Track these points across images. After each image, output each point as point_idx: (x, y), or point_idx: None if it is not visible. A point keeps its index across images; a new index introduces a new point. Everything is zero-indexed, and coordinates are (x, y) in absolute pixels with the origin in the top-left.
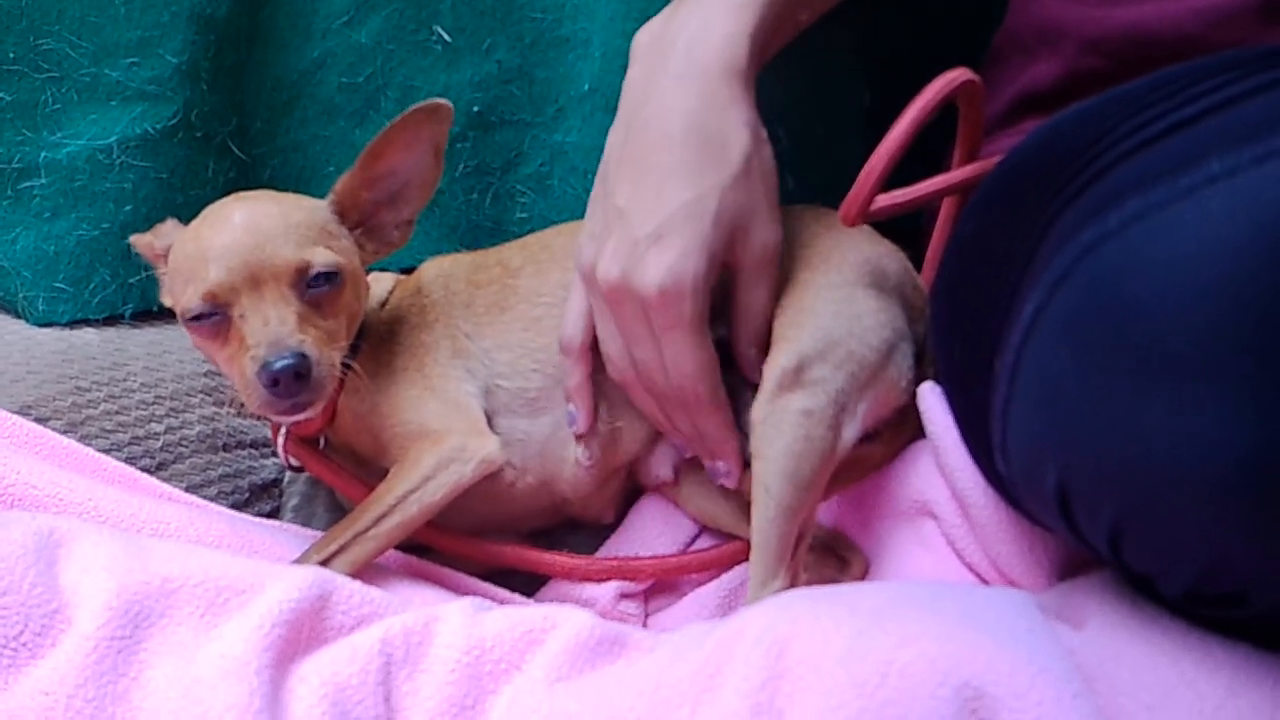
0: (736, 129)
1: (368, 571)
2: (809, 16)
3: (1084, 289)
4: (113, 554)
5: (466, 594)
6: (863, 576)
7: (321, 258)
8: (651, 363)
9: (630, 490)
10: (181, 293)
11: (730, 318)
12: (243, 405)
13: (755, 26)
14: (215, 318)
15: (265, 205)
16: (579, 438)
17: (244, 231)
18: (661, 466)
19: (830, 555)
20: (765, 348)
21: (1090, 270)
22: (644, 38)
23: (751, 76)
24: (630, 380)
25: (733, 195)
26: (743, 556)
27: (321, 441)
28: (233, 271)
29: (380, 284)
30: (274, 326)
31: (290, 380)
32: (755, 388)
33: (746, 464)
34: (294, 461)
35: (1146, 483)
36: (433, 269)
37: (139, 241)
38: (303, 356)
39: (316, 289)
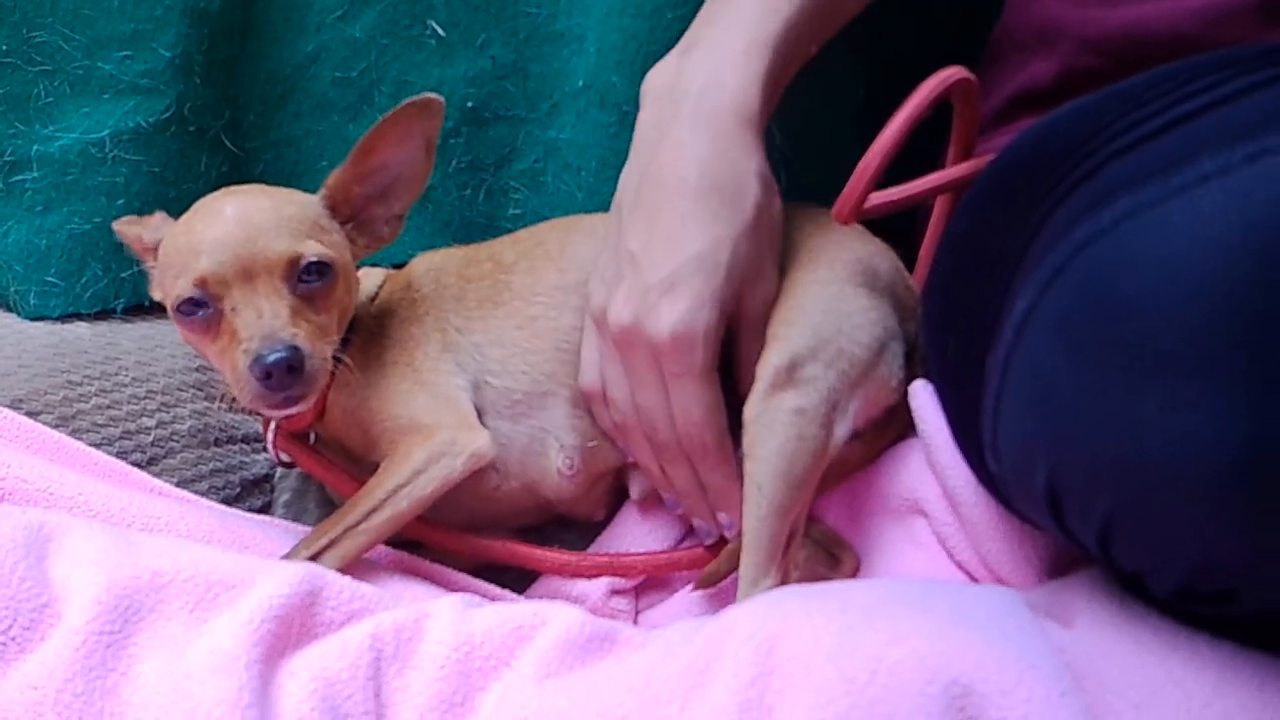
0: (749, 179)
1: (357, 566)
2: (817, 46)
3: (1076, 286)
4: (102, 548)
5: (456, 590)
6: (854, 574)
7: (313, 250)
8: (656, 410)
9: (619, 488)
10: (172, 286)
11: (735, 369)
12: (234, 400)
13: (766, 71)
14: (206, 311)
15: (257, 199)
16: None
17: (236, 224)
18: (637, 485)
19: (822, 552)
20: None
21: (1082, 268)
22: (656, 81)
23: (763, 123)
24: (631, 427)
25: (744, 247)
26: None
27: (311, 437)
28: (224, 264)
29: (370, 279)
30: (267, 320)
31: (283, 373)
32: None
33: None
34: (284, 457)
35: (1138, 480)
36: (423, 263)
37: (127, 232)
38: (295, 349)
39: (308, 283)
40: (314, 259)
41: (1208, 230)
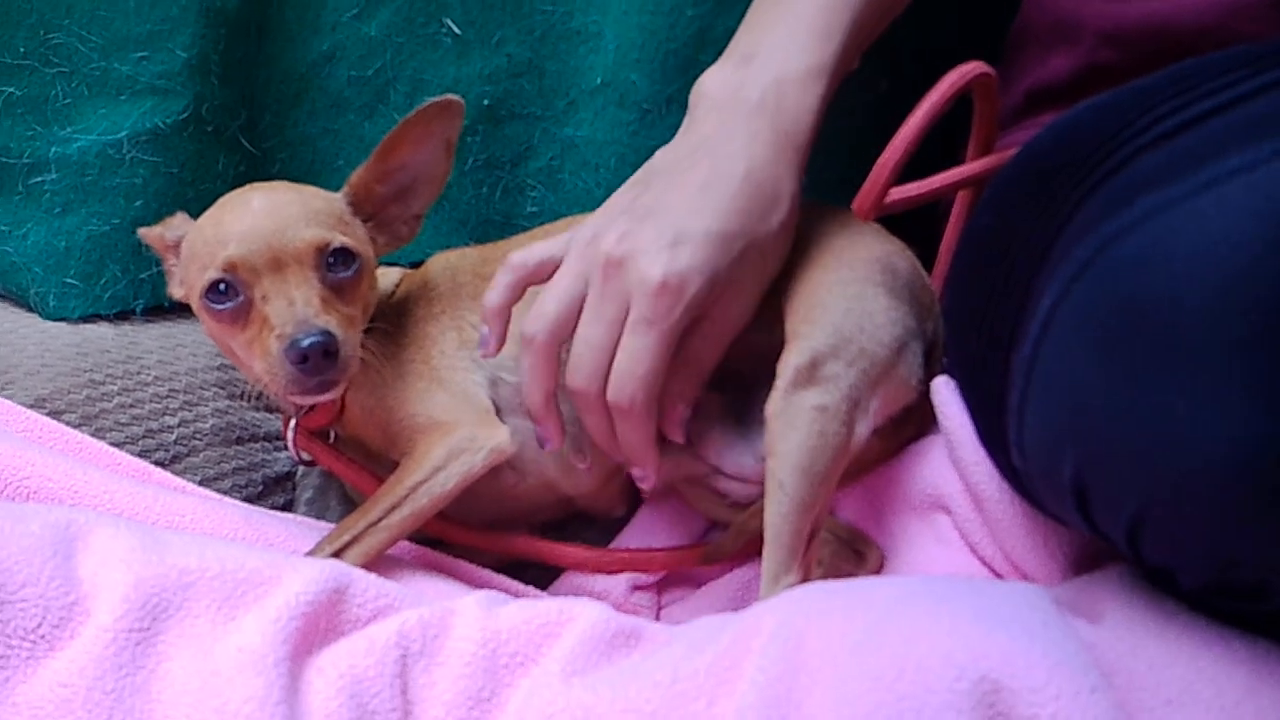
0: (784, 198)
1: (381, 563)
2: (859, 62)
3: (1103, 281)
4: (130, 546)
5: (480, 586)
6: (879, 569)
7: (339, 239)
8: (595, 350)
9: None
10: (198, 277)
11: (671, 371)
12: (258, 396)
13: (822, 98)
14: (237, 300)
15: (284, 193)
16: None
17: (265, 215)
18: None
19: (846, 549)
20: (694, 407)
21: (1109, 263)
22: (711, 88)
23: (809, 150)
24: (546, 350)
25: (754, 253)
26: (755, 550)
27: (331, 436)
28: (254, 252)
29: (387, 278)
30: (299, 306)
31: (319, 357)
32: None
33: None
34: (304, 455)
35: (1166, 475)
36: (440, 262)
37: (149, 234)
38: (330, 334)
39: (336, 274)
40: (340, 245)
41: (1235, 226)
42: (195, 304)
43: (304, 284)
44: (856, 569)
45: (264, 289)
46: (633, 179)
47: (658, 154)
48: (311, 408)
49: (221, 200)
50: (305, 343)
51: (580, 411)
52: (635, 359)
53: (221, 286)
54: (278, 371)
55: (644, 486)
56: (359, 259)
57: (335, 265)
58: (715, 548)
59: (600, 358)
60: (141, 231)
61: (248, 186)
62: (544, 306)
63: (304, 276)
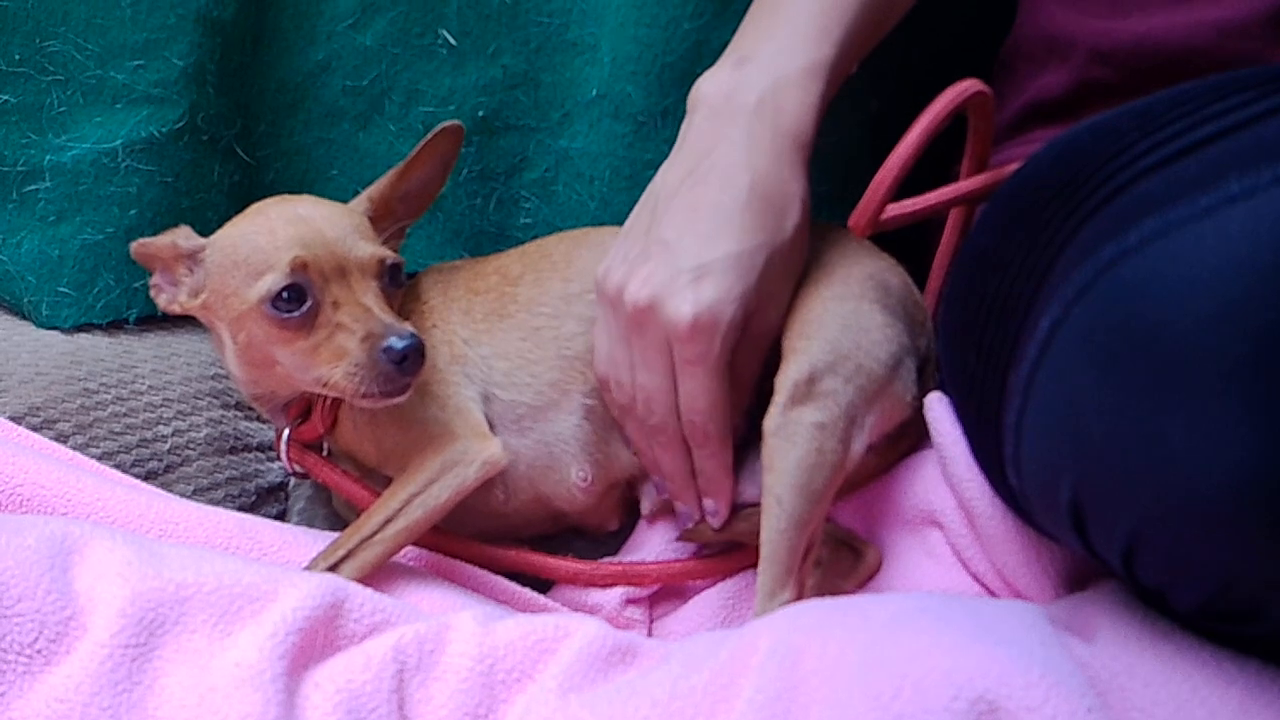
0: (794, 201)
1: (377, 572)
2: (857, 66)
3: (1103, 305)
4: (127, 560)
5: (477, 589)
6: (877, 568)
7: (392, 255)
8: (656, 392)
9: (633, 497)
10: (250, 285)
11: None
12: (250, 407)
13: (821, 96)
14: (305, 306)
15: (326, 207)
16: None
17: (323, 224)
18: (648, 500)
19: (844, 548)
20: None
21: (1109, 286)
22: (708, 90)
23: (812, 148)
24: (629, 408)
25: (777, 262)
26: (747, 562)
27: (324, 449)
28: (320, 259)
29: None
30: (378, 313)
31: (416, 357)
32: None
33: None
34: (298, 468)
35: (1164, 497)
36: (431, 275)
37: (156, 243)
38: (418, 336)
39: (390, 287)
40: (394, 261)
41: (1235, 252)
42: (245, 311)
43: (368, 292)
44: (854, 567)
45: (333, 294)
46: (641, 204)
47: (661, 172)
48: (304, 420)
49: (257, 208)
50: (400, 345)
51: (658, 449)
52: (695, 397)
53: (286, 294)
54: (365, 373)
55: (714, 523)
56: (403, 272)
57: (389, 279)
58: (697, 531)
59: (666, 398)
60: (145, 241)
61: (277, 199)
62: (615, 376)
63: (367, 285)
